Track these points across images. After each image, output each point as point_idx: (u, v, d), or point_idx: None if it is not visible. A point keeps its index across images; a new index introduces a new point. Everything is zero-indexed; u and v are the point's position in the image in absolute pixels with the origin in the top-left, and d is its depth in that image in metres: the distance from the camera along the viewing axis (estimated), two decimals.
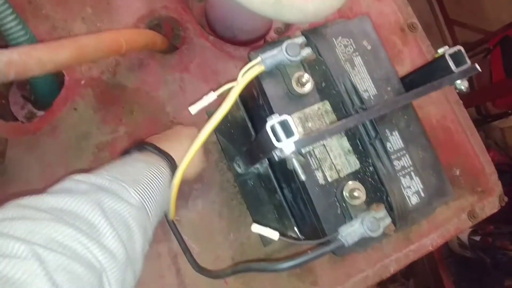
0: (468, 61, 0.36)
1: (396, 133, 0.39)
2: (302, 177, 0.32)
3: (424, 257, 1.85)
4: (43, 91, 0.58)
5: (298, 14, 0.36)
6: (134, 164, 0.39)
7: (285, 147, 0.30)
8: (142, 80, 0.60)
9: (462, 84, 0.36)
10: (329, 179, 0.38)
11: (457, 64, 0.36)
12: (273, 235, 0.35)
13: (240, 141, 0.55)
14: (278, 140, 0.31)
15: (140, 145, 0.44)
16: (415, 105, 0.67)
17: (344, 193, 0.36)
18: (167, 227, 0.53)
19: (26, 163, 0.54)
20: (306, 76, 0.37)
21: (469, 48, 2.09)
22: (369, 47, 0.42)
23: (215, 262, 0.56)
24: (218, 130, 0.59)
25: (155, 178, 0.38)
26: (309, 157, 0.38)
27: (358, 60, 0.40)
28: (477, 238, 1.56)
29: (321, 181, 0.38)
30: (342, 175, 0.38)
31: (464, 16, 2.21)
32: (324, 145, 0.39)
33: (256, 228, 0.35)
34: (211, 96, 0.37)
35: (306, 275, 0.58)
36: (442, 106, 0.69)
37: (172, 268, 0.55)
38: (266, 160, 0.52)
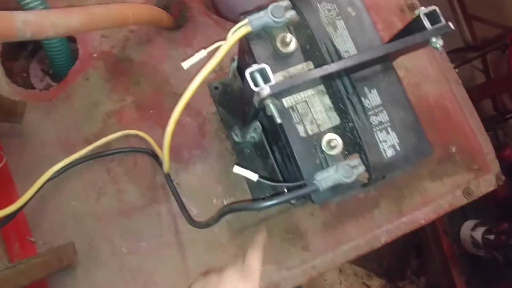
0: (443, 20, 0.38)
1: (374, 91, 0.41)
2: (278, 120, 0.35)
3: (436, 255, 1.83)
4: (60, 65, 0.64)
5: None
6: None
7: (262, 90, 0.33)
8: (149, 54, 0.64)
9: (437, 43, 0.38)
10: (310, 132, 0.41)
11: (432, 23, 0.38)
12: (253, 176, 0.38)
13: (238, 110, 0.58)
14: (256, 85, 0.34)
15: None
16: (413, 83, 0.69)
17: (322, 143, 0.39)
18: (168, 188, 0.58)
19: (42, 126, 0.59)
20: (289, 36, 0.40)
21: (488, 43, 2.05)
22: (353, 14, 0.44)
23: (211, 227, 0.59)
24: (217, 101, 0.63)
25: None
26: (291, 112, 0.41)
27: (340, 23, 0.42)
28: (491, 236, 1.53)
29: (302, 134, 0.41)
30: (322, 129, 0.41)
31: (483, 11, 2.16)
32: (306, 101, 0.42)
33: (238, 169, 0.39)
34: (202, 53, 0.41)
35: (297, 240, 0.60)
36: (440, 85, 0.70)
37: (172, 227, 0.59)
38: (260, 126, 0.55)
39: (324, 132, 0.40)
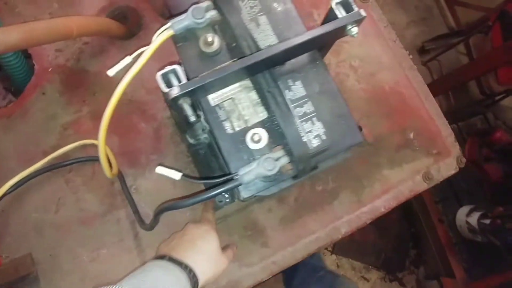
0: (355, 8, 0.39)
1: (299, 82, 0.42)
2: (191, 118, 0.36)
3: (433, 243, 1.81)
4: (19, 80, 0.66)
5: None
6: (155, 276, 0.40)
7: (171, 91, 0.34)
8: (103, 65, 0.66)
9: (352, 30, 0.39)
10: (237, 128, 0.42)
11: (347, 12, 0.39)
12: (176, 175, 0.39)
13: None
14: (169, 86, 0.35)
15: (160, 257, 0.45)
16: (368, 72, 0.69)
17: (246, 138, 0.40)
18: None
19: (1, 142, 0.61)
20: (211, 36, 0.41)
21: (472, 27, 2.03)
22: (279, 8, 0.45)
23: (170, 228, 0.60)
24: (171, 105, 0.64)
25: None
26: (218, 109, 0.42)
27: (263, 19, 0.43)
28: (487, 221, 1.52)
29: (229, 130, 0.41)
30: (249, 124, 0.42)
31: None
32: (233, 98, 0.42)
33: (160, 169, 0.40)
34: (127, 59, 0.42)
35: (257, 236, 0.61)
36: (395, 72, 0.71)
37: (131, 232, 0.60)
38: (207, 126, 0.56)
39: (251, 127, 0.41)
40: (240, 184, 0.38)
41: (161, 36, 0.41)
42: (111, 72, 0.41)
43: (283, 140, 0.40)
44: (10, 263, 0.52)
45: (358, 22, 0.39)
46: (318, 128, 0.41)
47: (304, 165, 0.40)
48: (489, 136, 1.89)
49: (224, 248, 0.54)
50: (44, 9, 0.67)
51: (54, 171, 0.60)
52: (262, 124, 0.42)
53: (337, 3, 0.39)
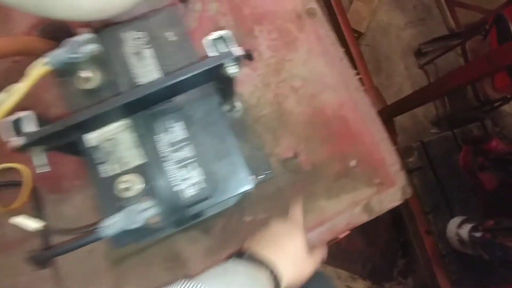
0: (234, 45, 0.35)
1: (181, 123, 0.39)
2: (40, 170, 0.33)
3: (420, 255, 1.77)
4: None
5: (69, 12, 0.37)
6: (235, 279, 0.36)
7: (16, 140, 0.32)
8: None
9: (228, 69, 0.35)
10: (111, 173, 0.39)
11: (219, 50, 0.35)
12: (31, 225, 0.37)
13: None
14: (18, 133, 0.33)
15: (241, 254, 0.43)
16: (309, 94, 0.65)
17: (115, 185, 0.37)
18: None
19: None
20: (85, 73, 0.38)
21: (470, 30, 1.93)
22: (173, 38, 0.42)
23: (89, 257, 0.58)
24: None
25: None
26: (94, 151, 0.39)
27: (147, 52, 0.40)
28: (478, 234, 1.46)
29: (103, 174, 0.39)
30: (127, 167, 0.39)
31: None
32: (112, 139, 0.39)
33: (16, 220, 0.37)
34: (1, 96, 0.39)
35: (178, 268, 0.58)
36: (339, 94, 0.66)
37: None
38: None
39: (126, 172, 0.38)
40: (99, 238, 0.35)
41: (36, 70, 0.38)
42: None
43: (154, 190, 0.37)
44: None
45: (238, 60, 0.35)
46: (197, 174, 0.38)
47: (178, 216, 0.37)
48: (485, 144, 1.81)
49: (311, 249, 0.50)
50: None
51: None
52: (142, 168, 0.39)
53: (213, 40, 0.35)
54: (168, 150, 0.38)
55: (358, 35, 2.00)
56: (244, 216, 0.61)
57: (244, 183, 0.39)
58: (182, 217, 0.37)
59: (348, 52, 1.78)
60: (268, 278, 0.39)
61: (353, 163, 0.64)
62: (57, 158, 0.61)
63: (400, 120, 2.02)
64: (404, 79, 2.08)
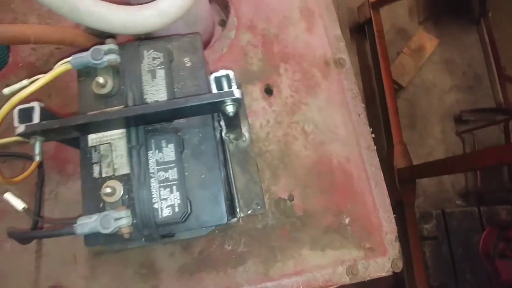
0: (234, 86, 0.37)
1: (171, 146, 0.40)
2: (36, 158, 0.36)
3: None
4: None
5: (100, 23, 0.40)
6: None
7: (19, 127, 0.35)
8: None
9: (227, 108, 0.37)
10: (103, 175, 0.41)
11: (228, 87, 0.37)
12: (20, 205, 0.39)
13: None
14: (24, 121, 0.36)
15: None
16: (318, 140, 0.65)
17: (102, 188, 0.39)
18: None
19: None
20: (102, 79, 0.41)
21: None
22: (189, 64, 0.44)
23: (73, 242, 0.60)
24: None
25: None
26: (93, 151, 0.42)
27: (160, 73, 0.42)
28: None
29: (96, 174, 0.41)
30: (117, 173, 0.41)
31: None
32: (110, 143, 0.42)
33: (8, 196, 0.40)
34: (24, 82, 0.43)
35: (150, 277, 0.59)
36: (349, 148, 0.65)
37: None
38: None
39: (114, 178, 0.40)
40: (71, 233, 0.37)
41: (59, 66, 0.42)
42: (6, 91, 0.43)
43: (133, 202, 0.38)
44: None
45: (236, 101, 0.37)
46: (174, 198, 0.39)
47: (150, 232, 0.38)
48: (509, 230, 1.69)
49: None
50: (35, 10, 0.72)
51: None
52: (126, 178, 0.41)
53: (217, 77, 0.37)
54: (156, 168, 0.40)
55: (398, 87, 1.97)
56: (226, 244, 0.60)
57: (218, 218, 0.40)
58: (152, 234, 0.38)
59: (383, 103, 1.76)
60: None
61: (347, 220, 0.62)
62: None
63: (425, 183, 1.94)
64: (438, 142, 2.01)
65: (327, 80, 0.69)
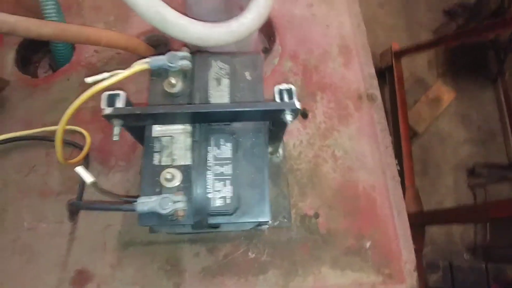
0: (295, 99, 0.42)
1: (229, 145, 0.45)
2: (114, 138, 0.41)
3: None
4: (60, 64, 0.79)
5: (181, 33, 0.47)
6: None
7: (106, 109, 0.40)
8: None
9: (287, 116, 0.41)
10: (162, 163, 0.45)
11: (289, 99, 0.42)
12: (88, 179, 0.43)
13: None
14: (110, 105, 0.41)
15: None
16: (346, 166, 0.69)
17: (162, 173, 0.43)
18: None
19: (17, 104, 0.73)
20: (173, 80, 0.47)
21: None
22: (249, 78, 0.50)
23: (104, 230, 0.64)
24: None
25: None
26: (155, 141, 0.46)
27: (225, 81, 0.48)
28: None
29: (156, 161, 0.45)
30: (175, 164, 0.45)
31: None
32: (172, 136, 0.47)
33: (79, 169, 0.44)
34: (104, 74, 0.49)
35: (173, 274, 0.61)
36: (375, 176, 0.69)
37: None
38: None
39: (173, 167, 0.44)
40: (132, 210, 0.40)
41: (138, 65, 0.48)
42: (88, 79, 0.49)
43: (190, 189, 0.42)
44: None
45: (294, 112, 0.42)
46: (227, 191, 0.43)
47: (200, 218, 0.41)
48: None
49: None
50: (102, 18, 0.81)
51: (41, 142, 0.68)
52: (184, 168, 0.45)
53: (281, 89, 0.42)
54: (213, 162, 0.44)
55: (414, 133, 2.02)
56: (250, 252, 0.63)
57: (263, 215, 0.43)
58: (202, 222, 0.42)
59: (398, 146, 1.80)
60: None
61: (367, 244, 0.64)
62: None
63: (433, 232, 1.92)
64: (450, 192, 2.01)
65: (359, 112, 0.74)
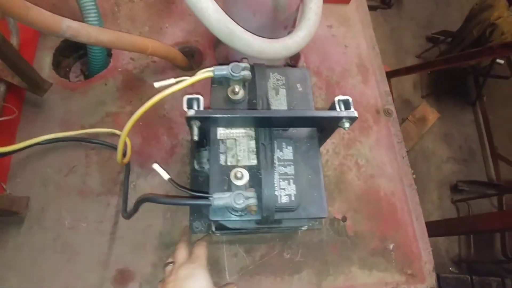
0: (352, 108, 0.48)
1: (290, 148, 0.50)
2: (195, 137, 0.45)
3: None
4: (94, 69, 0.82)
5: (245, 46, 0.52)
6: None
7: (189, 111, 0.44)
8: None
9: (345, 124, 0.47)
10: (228, 163, 0.49)
11: (345, 109, 0.48)
12: (165, 176, 0.47)
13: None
14: (189, 108, 0.45)
15: None
16: (369, 173, 0.75)
17: (231, 173, 0.47)
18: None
19: (57, 106, 0.74)
20: (238, 88, 0.52)
21: (510, 186, 2.01)
22: (300, 89, 0.55)
23: (145, 229, 0.66)
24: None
25: None
26: (220, 143, 0.50)
27: (283, 91, 0.53)
28: None
29: (222, 162, 0.49)
30: (239, 164, 0.49)
31: None
32: (235, 139, 0.51)
33: (156, 166, 0.47)
34: (171, 80, 0.53)
35: (213, 273, 0.62)
36: (394, 183, 0.76)
37: (112, 219, 0.66)
38: None
39: (238, 167, 0.48)
40: (209, 204, 0.44)
41: (203, 73, 0.52)
42: (156, 84, 0.52)
43: (259, 187, 0.46)
44: (9, 196, 0.60)
45: (352, 119, 0.47)
46: (291, 189, 0.47)
47: (268, 213, 0.45)
48: None
49: (223, 286, 0.56)
50: (138, 28, 0.84)
51: (81, 143, 0.70)
52: (249, 168, 0.49)
53: (339, 100, 0.48)
54: (277, 163, 0.48)
55: None
56: (285, 252, 0.67)
57: (320, 212, 0.48)
58: (269, 217, 0.46)
59: None
60: None
61: (391, 246, 0.70)
62: (153, 142, 0.73)
63: None
64: (435, 207, 2.13)
65: (377, 125, 0.81)
